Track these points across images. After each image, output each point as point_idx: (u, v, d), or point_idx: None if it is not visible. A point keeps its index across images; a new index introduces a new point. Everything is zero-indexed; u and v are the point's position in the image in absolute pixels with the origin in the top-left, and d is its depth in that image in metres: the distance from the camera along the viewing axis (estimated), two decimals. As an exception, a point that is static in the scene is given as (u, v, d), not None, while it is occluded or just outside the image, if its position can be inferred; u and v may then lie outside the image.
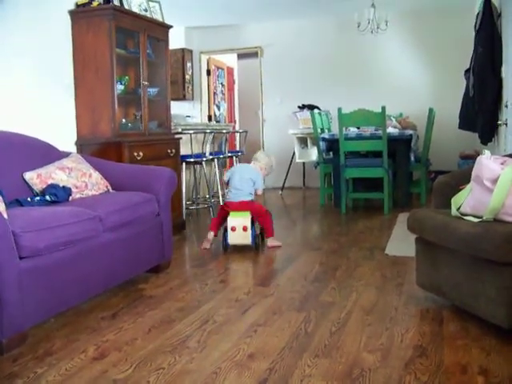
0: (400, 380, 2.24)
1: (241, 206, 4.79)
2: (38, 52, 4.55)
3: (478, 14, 6.32)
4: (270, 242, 4.89)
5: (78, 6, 4.89)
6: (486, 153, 2.92)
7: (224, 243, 4.74)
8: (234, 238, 4.68)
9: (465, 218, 2.88)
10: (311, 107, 8.95)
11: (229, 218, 4.72)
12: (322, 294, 3.47)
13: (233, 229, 4.65)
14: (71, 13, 4.87)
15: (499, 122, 5.34)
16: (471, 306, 2.81)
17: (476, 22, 6.30)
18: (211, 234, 4.90)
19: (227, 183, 5.06)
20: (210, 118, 10.36)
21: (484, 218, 2.77)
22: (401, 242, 4.78)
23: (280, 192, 9.24)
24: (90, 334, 2.87)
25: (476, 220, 2.79)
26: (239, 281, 3.86)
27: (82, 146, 4.92)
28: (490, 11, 5.93)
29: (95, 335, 2.84)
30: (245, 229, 4.64)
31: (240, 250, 4.76)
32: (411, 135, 6.77)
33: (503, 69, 5.56)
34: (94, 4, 4.85)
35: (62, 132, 4.78)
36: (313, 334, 2.78)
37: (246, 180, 4.94)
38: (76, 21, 4.88)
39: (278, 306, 3.25)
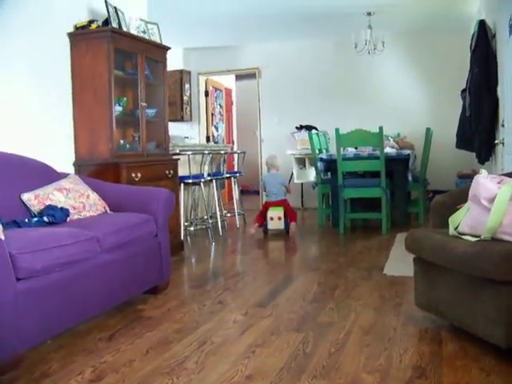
0: (399, 401, 2.22)
1: (278, 203, 6.87)
2: (36, 73, 4.57)
3: (473, 34, 6.38)
4: (292, 227, 6.76)
5: (76, 28, 4.93)
6: (483, 172, 2.93)
7: (265, 229, 6.83)
8: (272, 225, 6.78)
9: (463, 237, 2.88)
10: (309, 128, 8.99)
11: (269, 212, 6.78)
12: (320, 314, 3.46)
13: (271, 218, 6.75)
14: (70, 35, 4.90)
15: (496, 142, 5.37)
16: (470, 326, 2.80)
17: (471, 43, 6.36)
18: (255, 225, 6.83)
19: (264, 190, 7.19)
20: (208, 139, 10.39)
21: (482, 237, 2.77)
22: (399, 262, 4.77)
23: (278, 212, 9.22)
24: (87, 355, 2.85)
25: (474, 239, 2.79)
26: (237, 302, 3.84)
27: (79, 166, 4.92)
28: (484, 32, 5.99)
29: (92, 357, 2.83)
30: (279, 218, 6.75)
31: (239, 268, 4.74)
32: (409, 155, 6.79)
33: (499, 88, 5.60)
34: (93, 26, 4.88)
35: (59, 153, 4.78)
36: (311, 355, 2.76)
37: (278, 185, 6.98)
38: (75, 43, 4.91)
39: (276, 326, 3.23)
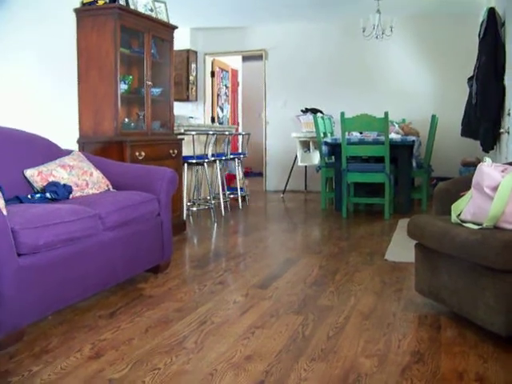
0: (396, 385, 2.23)
1: None
2: (42, 49, 4.56)
3: (482, 22, 6.33)
4: None
5: (83, 4, 4.90)
6: (487, 160, 2.92)
7: None
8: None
9: (465, 224, 2.88)
10: (314, 111, 8.95)
11: None
12: (320, 297, 3.46)
13: None
14: (76, 11, 4.88)
15: (501, 130, 5.35)
16: (469, 313, 2.81)
17: (480, 30, 6.31)
18: None
19: None
20: (213, 120, 10.36)
21: (484, 225, 2.77)
22: (401, 248, 4.77)
23: (281, 195, 9.24)
24: (87, 332, 2.87)
25: (476, 227, 2.79)
26: (238, 283, 3.85)
27: (84, 144, 4.92)
28: (493, 20, 5.94)
29: (92, 334, 2.84)
30: None
31: (241, 250, 4.76)
32: (413, 141, 6.76)
33: (506, 77, 5.56)
34: (100, 3, 4.85)
35: (64, 130, 4.78)
36: (310, 338, 2.77)
37: None
38: (81, 19, 4.89)
39: (276, 308, 3.24)
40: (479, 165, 2.91)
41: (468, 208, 2.93)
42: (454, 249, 2.78)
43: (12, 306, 2.58)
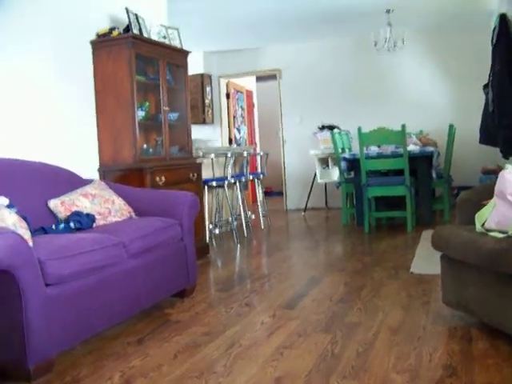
0: (430, 401, 2.20)
1: None
2: (60, 81, 4.62)
3: (494, 28, 6.32)
4: None
5: (98, 36, 4.98)
6: (509, 167, 2.90)
7: None
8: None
9: (490, 233, 2.85)
10: (331, 127, 8.96)
11: None
12: (347, 314, 3.44)
13: None
14: (92, 43, 4.96)
15: (521, 136, 5.31)
16: (500, 324, 2.77)
17: (493, 37, 6.30)
18: None
19: None
20: (230, 141, 10.42)
21: (509, 233, 2.74)
22: (425, 260, 4.73)
23: (303, 213, 9.23)
24: (116, 360, 2.87)
25: (501, 235, 2.76)
26: (264, 304, 3.84)
27: (104, 172, 4.97)
28: (505, 26, 5.94)
29: (121, 361, 2.84)
30: None
31: (265, 270, 4.76)
32: (432, 152, 6.73)
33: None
34: (114, 34, 4.92)
35: (84, 159, 4.83)
36: (340, 356, 2.75)
37: None
38: (97, 50, 4.97)
39: (304, 328, 3.22)
40: (501, 172, 2.89)
41: (492, 217, 2.91)
42: (481, 259, 2.75)
43: (41, 335, 2.60)
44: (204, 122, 10.02)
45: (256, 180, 7.70)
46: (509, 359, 2.58)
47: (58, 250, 2.80)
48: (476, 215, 3.04)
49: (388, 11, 7.64)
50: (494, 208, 2.92)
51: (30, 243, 2.65)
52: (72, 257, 2.84)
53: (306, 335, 3.09)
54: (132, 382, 2.57)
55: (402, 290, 3.95)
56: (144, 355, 2.92)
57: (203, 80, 10.03)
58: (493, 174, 7.24)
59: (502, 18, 5.97)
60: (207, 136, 9.60)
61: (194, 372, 2.64)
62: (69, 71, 4.73)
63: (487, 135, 6.58)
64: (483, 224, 2.96)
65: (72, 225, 3.56)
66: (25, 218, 2.93)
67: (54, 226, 3.50)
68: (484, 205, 3.04)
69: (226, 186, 6.52)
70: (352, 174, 7.35)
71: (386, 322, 3.23)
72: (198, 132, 9.12)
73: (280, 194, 10.79)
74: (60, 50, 4.63)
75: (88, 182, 4.20)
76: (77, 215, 3.63)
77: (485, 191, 3.22)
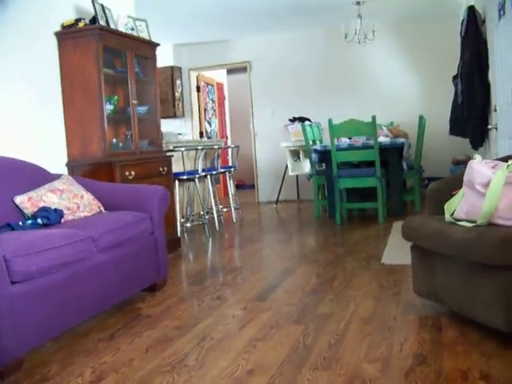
0: (401, 390, 2.21)
1: None
2: (25, 74, 4.54)
3: (462, 20, 6.37)
4: None
5: (63, 27, 4.89)
6: (477, 157, 2.92)
7: None
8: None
9: (459, 223, 2.87)
10: (302, 119, 8.96)
11: None
12: (319, 305, 3.45)
13: None
14: (57, 34, 4.87)
15: (489, 127, 5.36)
16: (469, 312, 2.79)
17: (461, 29, 6.35)
18: None
19: None
20: (201, 135, 10.37)
21: (478, 222, 2.76)
22: (397, 251, 4.77)
23: (275, 205, 9.23)
24: (87, 356, 2.84)
25: (470, 225, 2.78)
26: (236, 297, 3.83)
27: (73, 167, 4.90)
28: (474, 18, 5.98)
29: (92, 358, 2.81)
30: None
31: (237, 263, 4.74)
32: (403, 143, 6.78)
33: (490, 73, 5.59)
34: (80, 25, 4.84)
35: (52, 154, 4.76)
36: (312, 347, 2.75)
37: None
38: (62, 42, 4.88)
39: (276, 319, 3.22)
40: (469, 162, 2.91)
41: (461, 206, 2.93)
42: (450, 248, 2.78)
43: (8, 334, 2.55)
44: (175, 115, 9.96)
45: (227, 173, 7.68)
46: (478, 346, 2.61)
47: (24, 247, 2.75)
48: (445, 205, 3.06)
49: (358, 3, 7.66)
50: (463, 198, 2.94)
51: (-4, 239, 2.60)
52: (39, 253, 2.79)
53: (277, 327, 3.09)
54: (103, 377, 2.55)
55: (374, 280, 3.97)
56: (115, 350, 2.89)
57: (173, 73, 9.96)
58: (463, 164, 7.31)
59: (471, 9, 6.01)
60: (178, 129, 9.53)
61: (165, 366, 2.63)
62: (33, 63, 4.63)
63: (457, 126, 6.63)
64: (452, 214, 2.98)
65: (40, 221, 3.50)
66: (-10, 214, 2.87)
67: (20, 223, 3.44)
68: (454, 195, 3.07)
69: (196, 179, 6.48)
70: (323, 165, 7.38)
71: (358, 313, 3.25)
72: (168, 125, 9.07)
73: (252, 186, 10.78)
74: (23, 41, 4.53)
75: (56, 177, 4.13)
76: (44, 211, 3.58)
77: (454, 181, 3.25)
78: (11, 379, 2.58)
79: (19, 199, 3.65)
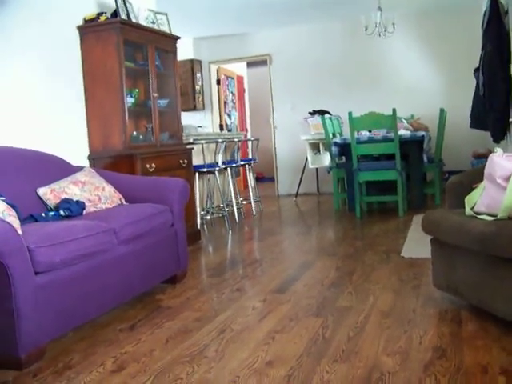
0: (420, 383, 2.21)
1: None
2: (48, 68, 4.59)
3: (485, 11, 6.29)
4: None
5: (86, 21, 4.94)
6: (498, 151, 2.91)
7: None
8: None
9: (479, 217, 2.86)
10: (322, 112, 8.94)
11: None
12: (338, 298, 3.45)
13: None
14: (79, 28, 4.91)
15: (511, 120, 5.31)
16: (489, 306, 2.78)
17: (483, 20, 6.28)
18: None
19: None
20: (221, 128, 10.39)
21: (499, 216, 2.74)
22: (416, 244, 4.75)
23: (294, 198, 9.24)
24: (108, 346, 2.88)
25: (491, 219, 2.77)
26: (255, 289, 3.85)
27: (94, 159, 4.95)
28: (496, 8, 5.91)
29: (113, 348, 2.85)
30: None
31: (257, 255, 4.76)
32: (423, 136, 6.74)
33: (512, 66, 5.53)
34: (102, 19, 4.88)
35: (74, 146, 4.81)
36: (331, 339, 2.76)
37: None
38: (84, 36, 4.92)
39: (295, 312, 3.24)
40: (490, 155, 2.90)
41: (482, 200, 2.92)
42: (470, 242, 2.76)
43: (32, 324, 2.60)
44: (195, 108, 9.99)
45: (247, 166, 7.69)
46: (498, 340, 2.60)
47: (47, 238, 2.79)
48: (466, 199, 3.04)
49: (378, -5, 7.61)
50: (484, 191, 2.92)
51: (19, 231, 2.64)
52: (62, 244, 2.83)
53: (297, 319, 3.10)
54: (125, 367, 2.58)
55: (393, 273, 3.96)
56: (136, 341, 2.92)
57: (193, 66, 9.98)
58: (484, 158, 7.25)
59: (493, 0, 5.95)
60: (198, 122, 9.56)
61: (185, 357, 2.65)
62: (56, 57, 4.69)
63: (478, 120, 6.58)
64: (473, 207, 2.96)
65: (62, 212, 3.55)
66: (13, 207, 2.92)
67: (43, 214, 3.49)
68: (474, 188, 3.05)
69: (216, 172, 6.51)
70: (343, 158, 7.36)
71: (377, 306, 3.25)
72: (188, 118, 9.09)
73: (271, 179, 10.78)
74: (47, 36, 4.58)
75: (78, 169, 4.18)
76: (66, 203, 3.62)
77: (475, 175, 3.23)
78: (34, 368, 2.62)
79: (42, 191, 3.70)
